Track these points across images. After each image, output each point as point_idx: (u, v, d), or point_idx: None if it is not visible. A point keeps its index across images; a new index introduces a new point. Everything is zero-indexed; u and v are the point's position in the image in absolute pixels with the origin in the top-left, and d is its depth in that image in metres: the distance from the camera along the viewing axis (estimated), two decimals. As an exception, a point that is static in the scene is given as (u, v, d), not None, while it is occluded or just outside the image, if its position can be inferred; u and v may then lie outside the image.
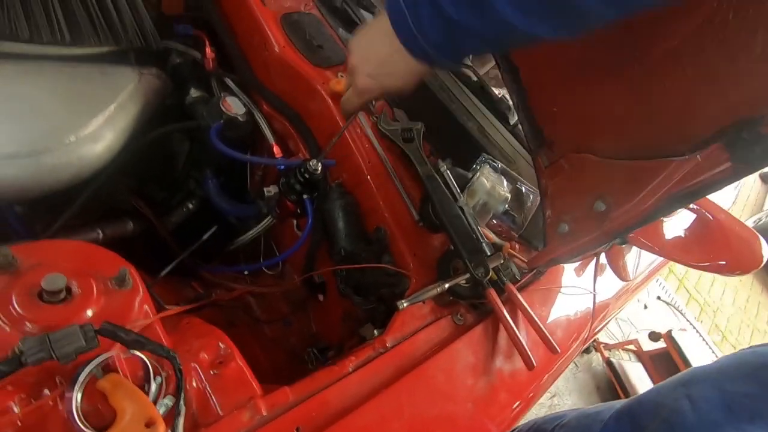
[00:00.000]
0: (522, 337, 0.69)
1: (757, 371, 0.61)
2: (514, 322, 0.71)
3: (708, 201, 0.94)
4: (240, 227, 0.96)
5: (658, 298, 3.40)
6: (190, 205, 0.99)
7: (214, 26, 0.89)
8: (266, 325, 0.89)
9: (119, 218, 0.89)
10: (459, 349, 0.65)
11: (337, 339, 0.86)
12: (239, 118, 0.80)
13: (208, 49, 0.84)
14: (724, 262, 0.88)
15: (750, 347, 0.68)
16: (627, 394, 2.39)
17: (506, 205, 0.82)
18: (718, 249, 0.90)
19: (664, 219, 0.90)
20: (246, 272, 0.94)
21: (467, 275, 0.72)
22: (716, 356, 2.89)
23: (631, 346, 2.67)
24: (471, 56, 0.72)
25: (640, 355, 2.61)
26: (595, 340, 2.63)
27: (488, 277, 0.71)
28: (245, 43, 0.86)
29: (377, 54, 0.59)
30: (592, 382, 2.50)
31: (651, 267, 1.24)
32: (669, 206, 0.57)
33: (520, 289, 0.78)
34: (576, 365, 2.50)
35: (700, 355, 2.49)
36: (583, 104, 0.64)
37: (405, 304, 0.65)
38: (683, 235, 0.94)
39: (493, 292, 0.72)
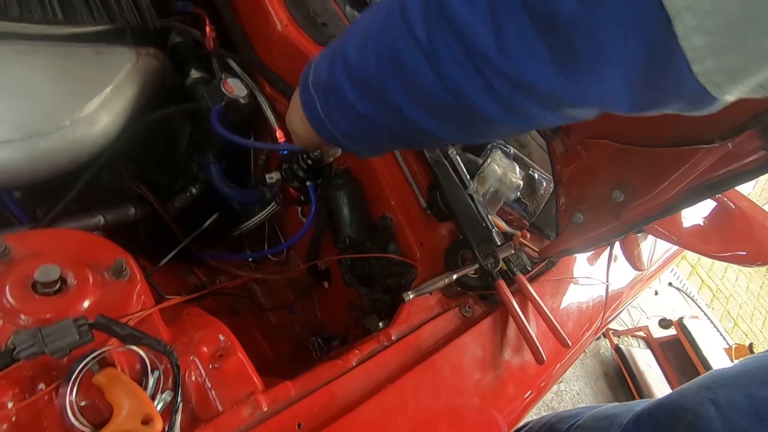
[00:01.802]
0: (532, 330, 0.67)
1: None
2: (524, 314, 0.69)
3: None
4: (244, 213, 0.94)
5: (670, 284, 3.35)
6: (193, 190, 0.97)
7: (215, 3, 0.85)
8: (271, 312, 0.87)
9: (121, 204, 0.87)
10: (466, 342, 0.63)
11: (342, 328, 0.85)
12: (241, 100, 0.77)
13: (207, 28, 0.80)
14: (744, 253, 0.84)
15: None
16: (635, 382, 2.38)
17: (518, 193, 0.78)
18: (739, 239, 0.86)
19: (684, 207, 0.86)
20: (250, 259, 0.92)
21: (476, 266, 0.69)
22: (728, 344, 2.85)
23: (641, 333, 2.65)
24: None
25: (649, 342, 2.59)
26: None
27: (498, 268, 0.69)
28: (247, 21, 0.82)
29: (297, 124, 0.56)
30: (599, 369, 2.49)
31: (666, 256, 1.20)
32: (693, 198, 0.53)
33: (530, 280, 0.76)
34: (584, 352, 2.49)
35: (711, 343, 2.46)
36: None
37: (411, 296, 0.63)
38: (702, 224, 0.90)
39: (502, 284, 0.69)
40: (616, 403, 0.88)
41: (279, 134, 0.76)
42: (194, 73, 0.83)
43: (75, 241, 0.52)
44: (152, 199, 0.87)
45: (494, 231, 0.71)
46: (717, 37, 0.23)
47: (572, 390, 2.25)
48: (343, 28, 0.84)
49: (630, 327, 2.72)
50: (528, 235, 0.86)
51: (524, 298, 0.72)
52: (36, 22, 0.63)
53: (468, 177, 0.75)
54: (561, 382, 2.23)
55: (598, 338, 2.56)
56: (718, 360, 2.36)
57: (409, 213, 0.72)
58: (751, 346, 2.68)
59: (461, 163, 0.75)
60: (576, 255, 0.93)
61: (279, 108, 0.84)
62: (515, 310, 0.67)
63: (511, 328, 0.69)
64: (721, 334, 2.91)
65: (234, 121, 0.81)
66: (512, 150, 0.82)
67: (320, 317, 0.92)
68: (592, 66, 0.29)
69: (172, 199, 0.96)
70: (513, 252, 0.72)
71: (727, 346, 2.76)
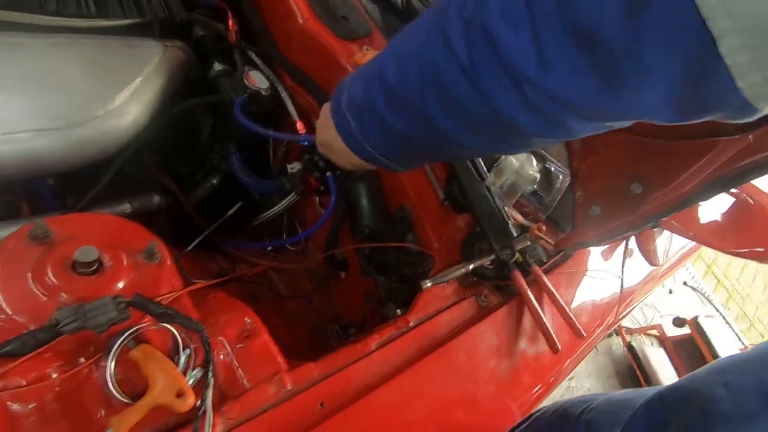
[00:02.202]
0: (547, 320, 0.68)
1: None
2: (539, 305, 0.70)
3: (749, 183, 0.89)
4: (263, 203, 0.96)
5: (685, 283, 3.31)
6: (214, 181, 0.99)
7: (237, -3, 0.87)
8: (289, 301, 0.90)
9: (146, 192, 0.90)
10: (482, 331, 0.65)
11: (359, 317, 0.87)
12: (263, 92, 0.79)
13: (230, 21, 0.82)
14: (763, 249, 0.84)
15: None
16: (647, 380, 2.37)
17: (535, 186, 0.79)
18: (757, 235, 0.86)
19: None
20: (269, 248, 0.95)
21: (492, 256, 0.70)
22: (743, 344, 2.81)
23: (654, 332, 2.63)
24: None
25: (663, 341, 2.56)
26: (617, 325, 2.59)
27: (514, 259, 0.70)
28: (268, 15, 0.84)
29: (334, 146, 0.57)
30: (611, 366, 2.48)
31: (682, 252, 1.20)
32: (712, 190, 0.54)
33: (546, 272, 0.77)
34: (596, 348, 2.48)
35: (726, 342, 2.44)
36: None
37: (429, 284, 0.64)
38: (720, 220, 0.89)
39: (518, 274, 0.70)
40: (629, 389, 0.89)
41: (300, 126, 0.78)
42: (217, 66, 0.85)
43: (110, 226, 0.55)
44: (175, 189, 0.90)
45: (510, 223, 0.72)
46: (761, 53, 0.24)
47: (583, 386, 2.25)
48: (363, 22, 0.85)
49: (643, 325, 2.70)
50: (544, 227, 0.87)
51: (539, 289, 0.73)
52: (71, 16, 0.66)
53: (485, 169, 0.76)
54: (572, 378, 2.23)
55: (610, 335, 2.55)
56: (733, 360, 2.33)
57: (427, 204, 0.74)
58: (767, 346, 2.63)
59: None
60: (591, 249, 0.94)
61: (299, 100, 0.86)
62: (531, 300, 0.68)
63: (527, 319, 0.70)
64: (737, 334, 2.86)
65: (256, 113, 0.83)
66: (529, 143, 0.82)
67: (337, 306, 0.94)
68: (634, 82, 0.30)
69: (193, 189, 0.99)
70: (529, 244, 0.73)
71: (742, 347, 2.72)
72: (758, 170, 0.49)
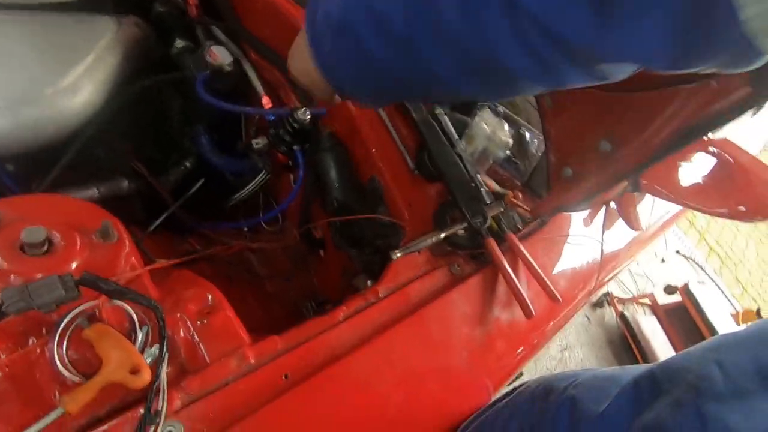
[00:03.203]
0: (522, 287, 0.67)
1: None
2: (515, 272, 0.69)
3: (730, 144, 0.88)
4: (239, 183, 0.94)
5: (677, 252, 3.33)
6: (187, 164, 0.97)
7: (197, -31, 0.83)
8: (267, 280, 0.89)
9: (115, 177, 0.88)
10: (454, 299, 0.64)
11: (338, 293, 0.86)
12: (226, 67, 0.77)
13: (188, -5, 0.79)
14: (744, 208, 0.83)
15: None
16: (640, 348, 2.39)
17: (508, 151, 0.77)
18: (738, 194, 0.84)
19: (681, 163, 0.85)
20: (246, 228, 0.93)
21: (465, 225, 0.69)
22: (735, 310, 2.84)
23: (646, 300, 2.64)
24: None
25: (655, 310, 2.58)
26: (608, 294, 2.61)
27: (487, 225, 0.69)
28: (228, -14, 0.80)
29: (302, 65, 0.54)
30: (604, 336, 2.51)
31: (666, 216, 1.19)
32: (681, 141, 0.52)
33: (522, 239, 0.76)
34: (588, 319, 2.50)
35: (717, 308, 2.45)
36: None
37: (398, 255, 0.63)
38: (701, 182, 0.88)
39: (491, 241, 0.69)
40: (616, 366, 0.88)
41: (265, 100, 0.76)
42: (179, 42, 0.82)
43: (62, 206, 0.53)
44: (146, 173, 0.88)
45: (483, 190, 0.71)
46: None
47: (576, 357, 2.27)
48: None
49: (636, 295, 2.72)
50: (520, 195, 0.85)
51: (515, 256, 0.72)
52: (14, -10, 0.63)
53: (456, 136, 0.74)
54: (565, 349, 2.25)
55: (602, 305, 2.57)
56: (725, 325, 2.35)
57: (397, 174, 0.72)
58: (758, 311, 2.66)
59: (449, 123, 0.74)
60: (571, 215, 0.93)
61: (266, 75, 0.83)
62: (504, 265, 0.67)
63: (501, 286, 0.70)
64: (729, 300, 2.89)
65: (221, 90, 0.80)
66: (502, 109, 0.81)
67: (317, 284, 0.93)
68: (633, 15, 0.28)
69: (166, 173, 0.97)
70: (502, 210, 0.72)
71: (734, 312, 2.75)
72: (725, 117, 0.47)
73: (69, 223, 0.51)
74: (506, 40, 0.35)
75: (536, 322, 0.71)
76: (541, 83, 0.39)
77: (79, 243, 0.49)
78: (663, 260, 3.14)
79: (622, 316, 2.52)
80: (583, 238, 0.90)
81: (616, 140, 0.58)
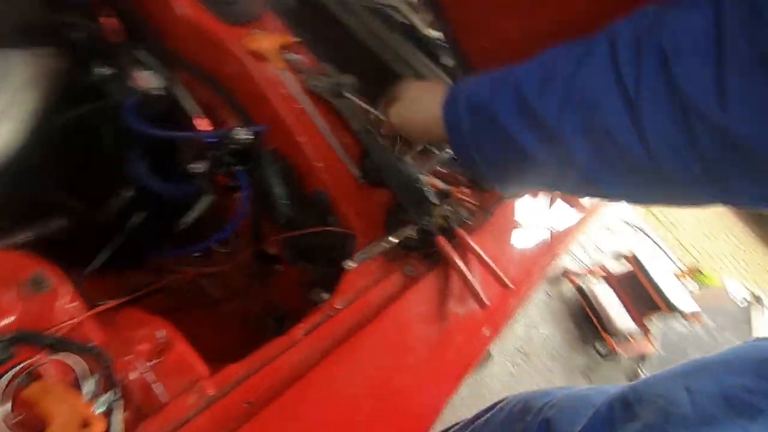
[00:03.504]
0: (474, 279, 0.70)
1: (762, 365, 0.56)
2: (467, 266, 0.72)
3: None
4: (183, 208, 0.91)
5: (626, 223, 3.54)
6: (128, 194, 0.93)
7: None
8: (223, 302, 0.87)
9: (48, 216, 0.83)
10: (410, 300, 0.65)
11: (300, 303, 0.86)
12: (153, 92, 0.74)
13: (105, 20, 0.75)
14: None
15: (756, 339, 0.65)
16: (598, 317, 2.53)
17: (448, 149, 0.80)
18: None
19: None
20: (197, 253, 0.91)
21: (415, 227, 0.71)
22: (680, 270, 3.06)
23: (600, 271, 2.80)
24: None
25: (608, 279, 2.74)
26: (565, 270, 2.74)
27: (435, 225, 0.71)
28: (146, 8, 0.78)
29: (418, 119, 0.58)
30: (565, 310, 2.63)
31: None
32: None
33: (471, 233, 0.78)
34: (549, 295, 2.62)
35: (663, 271, 2.63)
36: (506, 31, 0.61)
37: (351, 264, 0.64)
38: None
39: (441, 239, 0.71)
40: (590, 386, 0.91)
41: (199, 122, 0.74)
42: (100, 70, 0.78)
43: (-15, 261, 0.50)
44: (79, 207, 0.84)
45: (426, 190, 0.72)
46: None
47: (541, 335, 2.37)
48: (253, 5, 0.81)
49: (590, 267, 2.87)
50: (467, 190, 0.88)
51: (465, 251, 0.75)
52: None
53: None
54: (531, 327, 2.34)
55: (560, 281, 2.69)
56: (672, 287, 2.53)
57: (342, 184, 0.73)
58: (699, 268, 2.89)
59: (388, 128, 0.75)
60: (516, 203, 0.97)
61: (200, 95, 0.81)
62: (454, 261, 0.69)
63: (455, 281, 0.72)
64: (674, 262, 3.11)
65: (155, 114, 0.78)
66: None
67: (278, 300, 0.92)
68: None
69: (107, 205, 0.92)
70: (450, 207, 0.74)
71: (679, 272, 2.96)
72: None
73: (-4, 278, 0.48)
74: (679, 148, 0.34)
75: (491, 310, 0.74)
76: (709, 200, 0.37)
77: (8, 299, 0.47)
78: (609, 229, 3.34)
79: (579, 289, 2.66)
80: (530, 223, 0.94)
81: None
